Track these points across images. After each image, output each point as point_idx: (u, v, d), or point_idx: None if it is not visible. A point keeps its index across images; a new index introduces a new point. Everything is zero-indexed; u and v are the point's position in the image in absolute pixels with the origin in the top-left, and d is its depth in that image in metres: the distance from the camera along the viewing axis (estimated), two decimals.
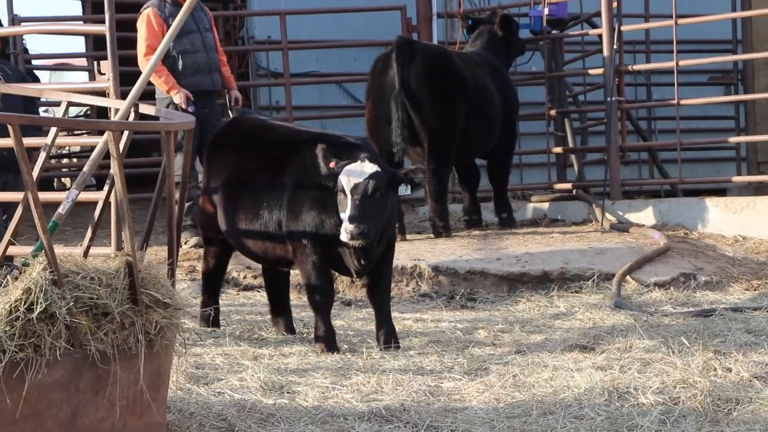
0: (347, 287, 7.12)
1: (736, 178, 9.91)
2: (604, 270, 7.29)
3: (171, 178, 4.20)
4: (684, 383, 4.76)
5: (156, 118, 4.65)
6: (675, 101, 9.03)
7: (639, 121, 10.82)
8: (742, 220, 8.42)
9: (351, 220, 5.23)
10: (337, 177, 5.35)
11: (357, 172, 5.31)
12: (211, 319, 6.13)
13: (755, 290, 7.15)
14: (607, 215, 8.80)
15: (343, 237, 5.28)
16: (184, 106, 7.64)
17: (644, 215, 8.83)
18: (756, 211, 8.41)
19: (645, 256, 7.51)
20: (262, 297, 6.95)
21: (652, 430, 4.24)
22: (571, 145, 10.05)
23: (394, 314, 5.92)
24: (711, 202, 8.70)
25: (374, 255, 5.51)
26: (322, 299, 5.63)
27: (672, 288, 7.13)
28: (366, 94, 8.40)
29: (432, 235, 8.24)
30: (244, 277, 7.33)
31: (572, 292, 7.10)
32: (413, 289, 7.21)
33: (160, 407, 4.00)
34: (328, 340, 5.63)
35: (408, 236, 8.25)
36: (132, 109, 4.43)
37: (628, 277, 7.23)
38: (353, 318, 6.56)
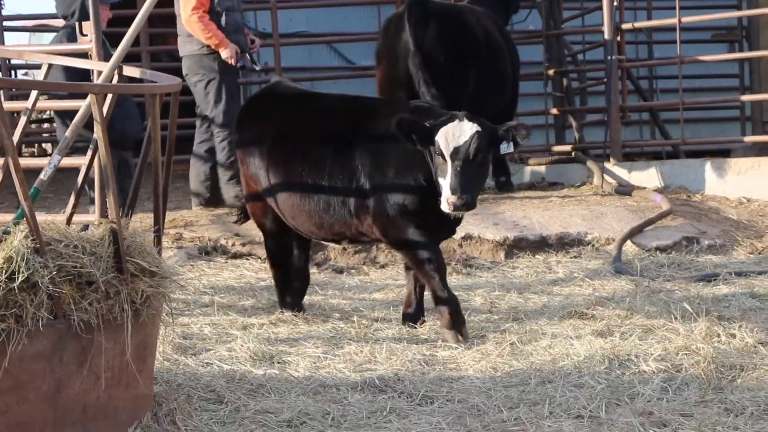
0: (339, 254, 7.00)
1: (748, 138, 9.76)
2: (604, 234, 7.21)
3: (156, 142, 4.07)
4: (687, 350, 4.70)
5: (141, 80, 4.50)
6: (677, 59, 8.86)
7: (640, 81, 10.66)
8: (746, 181, 8.30)
9: (453, 191, 4.83)
10: (431, 138, 4.94)
11: (456, 134, 4.91)
12: (290, 301, 5.67)
13: (760, 254, 7.05)
14: (607, 178, 8.67)
15: (445, 208, 4.88)
16: (232, 62, 7.56)
17: (645, 177, 8.71)
18: (761, 172, 8.29)
19: (646, 220, 7.41)
20: (251, 265, 6.86)
21: (654, 398, 4.17)
22: (569, 105, 9.88)
23: (386, 282, 5.80)
24: (714, 164, 8.57)
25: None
26: (436, 264, 5.12)
27: (674, 252, 7.04)
28: (376, 55, 8.16)
29: None
30: (233, 245, 7.15)
31: (571, 258, 7.00)
32: None
33: (146, 379, 3.92)
34: (455, 312, 5.12)
35: None
36: (116, 72, 4.29)
37: (628, 242, 7.13)
38: (345, 286, 6.44)
